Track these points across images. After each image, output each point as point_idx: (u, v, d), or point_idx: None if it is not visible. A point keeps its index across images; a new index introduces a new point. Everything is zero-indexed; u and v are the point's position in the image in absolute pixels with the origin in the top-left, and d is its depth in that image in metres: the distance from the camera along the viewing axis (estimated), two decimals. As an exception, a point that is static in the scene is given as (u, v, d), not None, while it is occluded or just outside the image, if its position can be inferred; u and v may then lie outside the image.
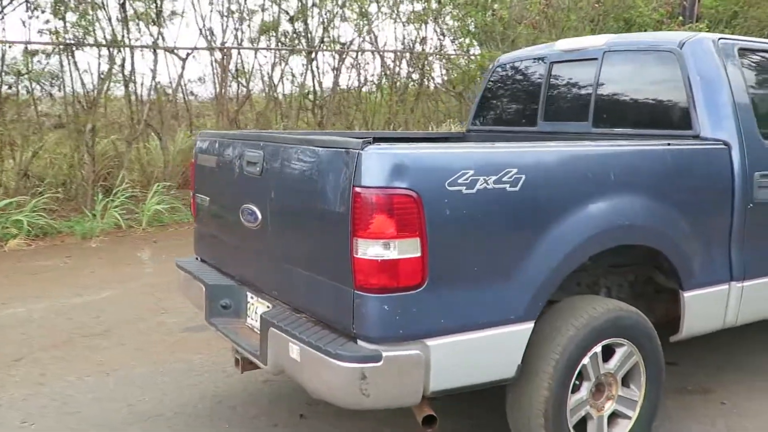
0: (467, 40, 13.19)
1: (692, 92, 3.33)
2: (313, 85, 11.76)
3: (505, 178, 2.52)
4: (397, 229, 2.32)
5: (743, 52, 3.51)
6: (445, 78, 13.51)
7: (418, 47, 12.52)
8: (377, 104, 12.62)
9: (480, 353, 2.56)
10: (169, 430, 3.48)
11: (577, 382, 2.83)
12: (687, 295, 3.15)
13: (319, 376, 2.45)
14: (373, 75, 12.56)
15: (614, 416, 3.01)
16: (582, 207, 2.72)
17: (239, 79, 11.26)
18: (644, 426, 3.06)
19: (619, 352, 2.94)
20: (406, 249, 2.34)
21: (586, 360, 2.81)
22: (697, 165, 3.17)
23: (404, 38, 12.48)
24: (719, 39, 3.47)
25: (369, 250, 2.33)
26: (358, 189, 2.34)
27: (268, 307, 3.02)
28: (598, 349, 2.85)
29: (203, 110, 12.60)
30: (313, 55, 11.46)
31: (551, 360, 2.71)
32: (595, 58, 3.82)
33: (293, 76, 11.79)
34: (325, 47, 11.73)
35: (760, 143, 3.35)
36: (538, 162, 2.65)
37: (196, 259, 3.80)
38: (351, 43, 11.97)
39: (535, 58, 4.29)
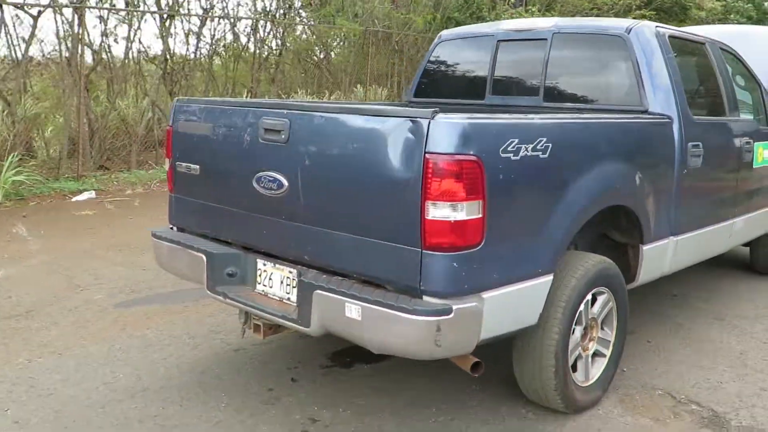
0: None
1: (640, 72, 3.83)
2: (165, 53, 11.14)
3: (538, 147, 2.81)
4: (465, 192, 2.52)
5: (672, 39, 4.07)
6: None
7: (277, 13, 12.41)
8: (237, 73, 12.36)
9: (517, 304, 2.85)
10: (164, 402, 3.41)
11: (573, 327, 3.22)
12: (645, 248, 3.66)
13: (390, 331, 2.60)
14: (228, 42, 12.21)
15: (594, 355, 3.45)
16: (589, 172, 3.10)
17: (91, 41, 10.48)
18: (614, 362, 3.54)
19: (601, 299, 3.37)
20: (471, 211, 2.55)
21: (581, 307, 3.21)
22: (653, 136, 3.68)
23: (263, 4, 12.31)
24: (656, 27, 4.00)
25: (439, 212, 2.52)
26: (429, 155, 2.51)
27: (290, 272, 3.09)
28: (589, 297, 3.26)
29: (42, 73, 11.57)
30: (167, 20, 10.91)
31: (559, 307, 3.07)
32: (545, 39, 4.22)
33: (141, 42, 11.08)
34: (182, 11, 11.24)
35: (690, 118, 3.93)
36: (560, 131, 2.97)
37: (171, 228, 3.71)
38: (212, 8, 11.57)
39: (480, 36, 4.61)
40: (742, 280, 5.76)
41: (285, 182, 2.99)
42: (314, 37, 13.10)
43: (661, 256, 3.83)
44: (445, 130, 2.51)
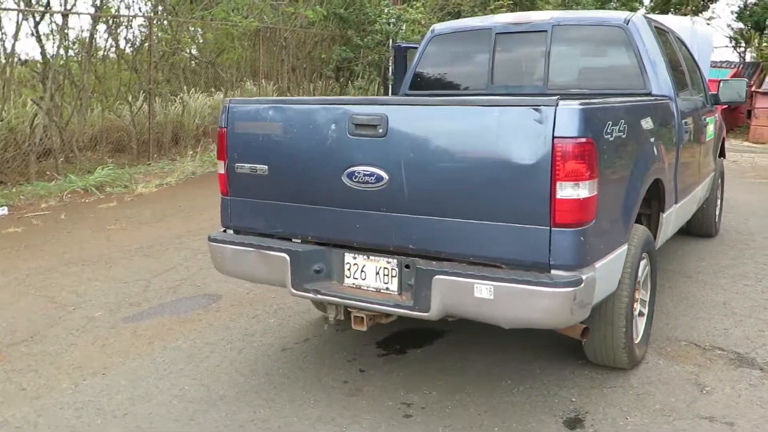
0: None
1: (641, 59, 4.25)
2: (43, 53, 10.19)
3: (621, 127, 3.11)
4: (587, 171, 2.76)
5: (656, 29, 4.53)
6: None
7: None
8: (131, 74, 11.79)
9: (611, 271, 3.15)
10: (251, 407, 3.38)
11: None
12: (663, 215, 4.09)
13: (527, 305, 2.79)
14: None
15: (639, 315, 3.82)
16: (645, 149, 3.45)
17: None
18: (650, 320, 3.94)
19: (642, 264, 3.75)
20: (591, 189, 2.80)
21: (639, 271, 3.56)
22: (666, 114, 4.11)
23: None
24: (644, 17, 4.44)
25: (567, 191, 2.74)
26: (557, 140, 2.72)
27: (388, 262, 3.18)
28: (641, 263, 3.62)
29: None
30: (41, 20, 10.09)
31: (627, 273, 3.40)
32: (545, 30, 4.54)
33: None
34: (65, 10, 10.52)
35: (679, 97, 4.41)
36: (627, 113, 3.28)
37: (225, 231, 3.66)
38: (103, 6, 10.95)
39: (477, 29, 4.85)
40: (683, 243, 6.45)
41: (384, 175, 3.07)
42: (208, 35, 12.70)
43: (668, 222, 4.28)
44: (569, 115, 2.73)
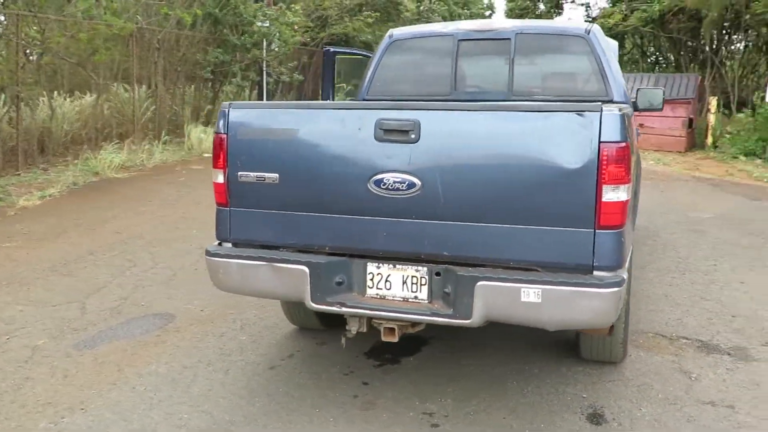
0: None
1: (603, 68, 4.48)
2: None
3: (629, 132, 3.24)
4: (626, 175, 2.86)
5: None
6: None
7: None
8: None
9: (629, 270, 3.28)
10: (268, 429, 3.18)
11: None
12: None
13: (575, 307, 2.84)
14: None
15: (621, 310, 4.00)
16: (634, 152, 3.63)
17: None
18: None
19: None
20: (628, 191, 2.90)
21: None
22: (631, 120, 4.34)
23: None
24: (595, 27, 4.68)
25: (610, 194, 2.82)
26: (603, 144, 2.79)
27: (416, 270, 3.12)
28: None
29: None
30: None
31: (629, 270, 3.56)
32: (508, 38, 4.65)
33: None
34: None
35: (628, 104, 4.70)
36: (630, 118, 3.43)
37: (220, 244, 3.41)
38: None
39: (438, 35, 4.87)
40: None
41: (417, 182, 3.00)
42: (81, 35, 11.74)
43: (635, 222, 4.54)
44: (612, 120, 2.81)
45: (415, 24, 18.41)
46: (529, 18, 26.00)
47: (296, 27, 16.99)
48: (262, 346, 4.15)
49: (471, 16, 33.08)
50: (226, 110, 3.30)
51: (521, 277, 2.89)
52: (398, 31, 5.01)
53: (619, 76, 4.52)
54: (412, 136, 2.99)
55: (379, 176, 3.05)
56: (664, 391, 3.58)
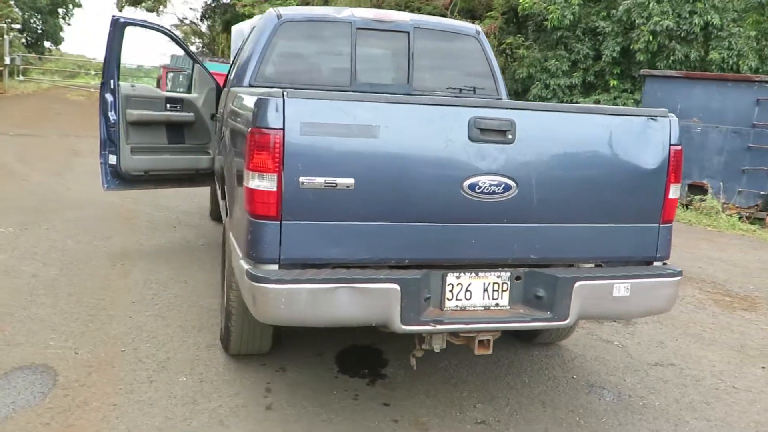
0: None
1: (493, 67, 4.74)
2: None
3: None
4: (680, 174, 3.19)
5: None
6: None
7: None
8: None
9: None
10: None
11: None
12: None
13: (656, 296, 3.08)
14: None
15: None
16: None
17: None
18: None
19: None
20: (680, 189, 3.24)
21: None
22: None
23: None
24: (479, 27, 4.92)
25: (674, 192, 3.14)
26: (672, 146, 3.08)
27: (498, 276, 3.00)
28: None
29: None
30: None
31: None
32: (407, 32, 4.57)
33: None
34: None
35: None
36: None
37: (257, 266, 2.75)
38: None
39: (334, 21, 4.46)
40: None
41: (512, 184, 2.87)
42: None
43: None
44: (676, 125, 3.11)
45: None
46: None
47: None
48: (229, 387, 3.41)
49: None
50: (283, 99, 2.65)
51: (614, 274, 3.02)
52: (287, 12, 4.46)
53: (499, 72, 4.83)
54: (509, 136, 2.85)
55: (474, 179, 2.83)
56: (612, 360, 4.06)
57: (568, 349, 4.17)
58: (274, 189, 2.67)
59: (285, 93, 2.66)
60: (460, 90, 4.71)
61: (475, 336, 2.98)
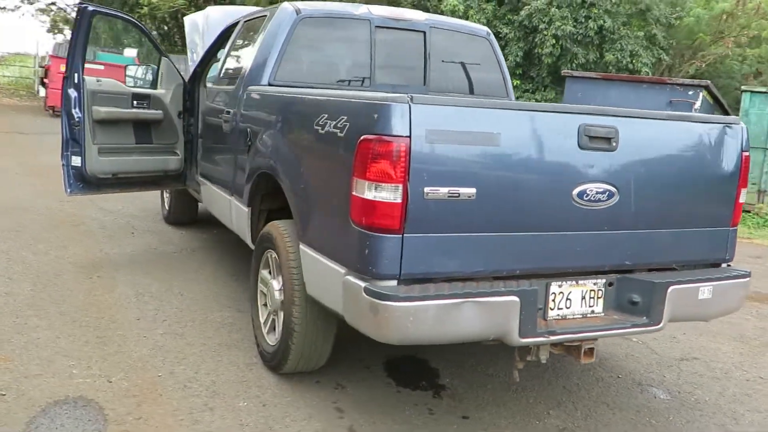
0: None
1: (503, 69, 4.74)
2: None
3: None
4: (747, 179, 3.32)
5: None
6: None
7: None
8: None
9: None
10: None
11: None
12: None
13: (731, 297, 3.18)
14: None
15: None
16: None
17: None
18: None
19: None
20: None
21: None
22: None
23: None
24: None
25: (743, 196, 3.26)
26: (744, 152, 3.20)
27: (594, 283, 3.00)
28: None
29: None
30: None
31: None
32: (423, 31, 4.46)
33: None
34: None
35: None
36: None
37: (371, 281, 2.59)
38: None
39: (353, 18, 4.25)
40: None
41: (615, 191, 2.87)
42: None
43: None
44: (745, 131, 3.23)
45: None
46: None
47: None
48: (266, 419, 3.18)
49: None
50: (406, 106, 2.49)
51: (701, 277, 3.09)
52: (306, 6, 4.21)
53: (508, 74, 4.84)
54: (614, 143, 2.85)
55: (583, 187, 2.82)
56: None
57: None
58: (399, 200, 2.51)
59: (411, 98, 2.50)
60: (466, 92, 4.68)
61: (580, 345, 2.96)
